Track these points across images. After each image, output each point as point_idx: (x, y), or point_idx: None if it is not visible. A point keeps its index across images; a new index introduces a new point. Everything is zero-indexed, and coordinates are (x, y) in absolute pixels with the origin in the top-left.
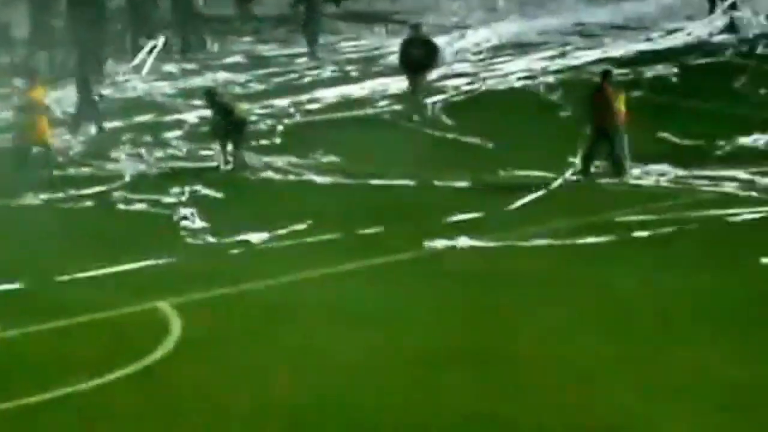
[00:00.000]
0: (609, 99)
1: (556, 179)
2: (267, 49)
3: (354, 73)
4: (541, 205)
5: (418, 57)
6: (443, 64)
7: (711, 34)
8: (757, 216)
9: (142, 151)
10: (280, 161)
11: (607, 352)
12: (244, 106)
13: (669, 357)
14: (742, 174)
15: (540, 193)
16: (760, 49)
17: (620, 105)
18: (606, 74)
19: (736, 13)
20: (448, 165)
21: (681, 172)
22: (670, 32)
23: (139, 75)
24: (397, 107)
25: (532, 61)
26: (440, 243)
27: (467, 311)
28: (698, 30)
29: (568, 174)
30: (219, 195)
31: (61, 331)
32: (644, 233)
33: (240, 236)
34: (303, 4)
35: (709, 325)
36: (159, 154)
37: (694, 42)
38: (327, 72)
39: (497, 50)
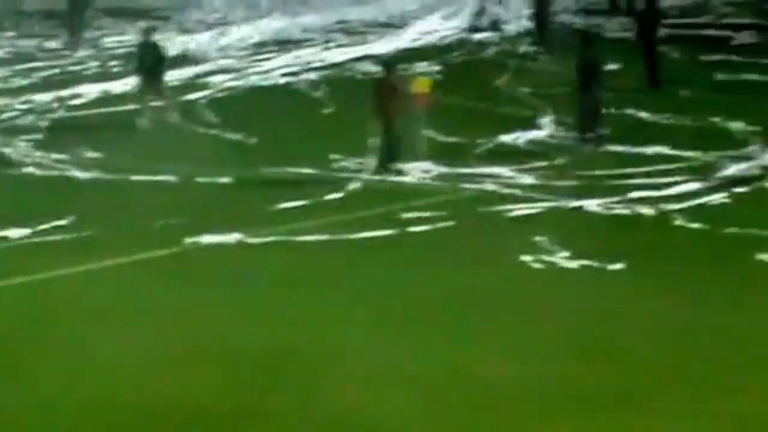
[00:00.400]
0: (393, 92)
1: (320, 174)
2: (30, 44)
3: (116, 69)
4: (310, 201)
5: (150, 62)
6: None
7: (473, 32)
8: (518, 213)
9: None
10: (41, 156)
11: (362, 347)
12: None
13: (424, 352)
14: (504, 171)
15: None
16: (522, 48)
17: (419, 89)
18: (389, 67)
19: (499, 12)
20: (212, 161)
21: (444, 170)
22: (433, 30)
23: None
24: (159, 103)
25: (296, 58)
26: (203, 239)
27: (226, 308)
28: (461, 28)
29: (368, 174)
30: None
31: None
32: (409, 229)
33: (0, 232)
34: None
35: (459, 320)
36: None
37: (456, 40)
38: (90, 67)
39: (260, 47)
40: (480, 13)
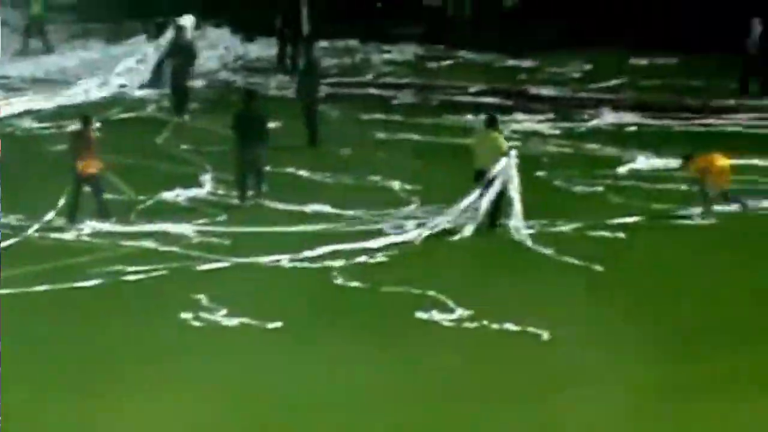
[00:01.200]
0: (89, 145)
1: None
2: None
3: None
4: None
5: None
6: None
7: (134, 89)
8: (178, 271)
9: None
10: None
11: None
12: None
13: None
14: (164, 229)
15: None
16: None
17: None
18: (86, 120)
19: (161, 69)
20: None
21: (104, 227)
22: (93, 86)
23: None
24: None
25: None
26: None
27: None
28: (121, 84)
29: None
30: None
31: None
32: (65, 286)
33: None
34: None
35: (105, 377)
36: None
37: (116, 96)
38: None
39: None
40: (147, 68)
